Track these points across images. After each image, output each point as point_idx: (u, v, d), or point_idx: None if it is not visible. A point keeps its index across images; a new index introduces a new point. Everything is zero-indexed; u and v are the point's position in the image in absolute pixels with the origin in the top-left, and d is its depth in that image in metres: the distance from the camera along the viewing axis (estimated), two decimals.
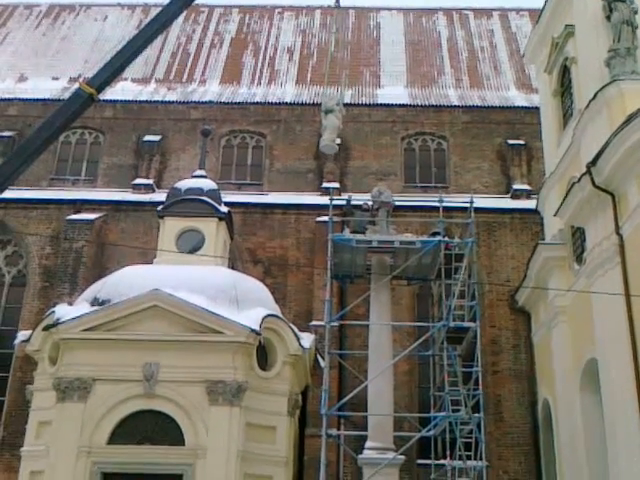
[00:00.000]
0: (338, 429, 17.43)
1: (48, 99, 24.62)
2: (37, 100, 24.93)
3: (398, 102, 25.14)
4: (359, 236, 15.66)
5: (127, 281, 16.46)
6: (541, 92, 21.52)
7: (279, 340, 16.61)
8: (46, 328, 16.32)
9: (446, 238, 15.89)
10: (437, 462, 16.37)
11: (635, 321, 13.66)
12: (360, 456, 14.76)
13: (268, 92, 26.07)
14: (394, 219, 16.76)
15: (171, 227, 18.30)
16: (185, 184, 19.26)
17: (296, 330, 17.11)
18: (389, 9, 31.15)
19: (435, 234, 16.23)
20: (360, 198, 17.64)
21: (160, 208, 18.85)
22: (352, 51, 28.27)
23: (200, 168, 20.07)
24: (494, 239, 21.57)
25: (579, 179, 15.30)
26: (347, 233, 15.97)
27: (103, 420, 15.19)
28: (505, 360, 20.32)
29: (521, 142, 23.72)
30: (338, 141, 21.19)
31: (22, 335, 18.23)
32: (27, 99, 25.19)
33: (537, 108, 22.32)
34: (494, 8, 31.16)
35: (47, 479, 14.93)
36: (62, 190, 23.42)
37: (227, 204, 19.37)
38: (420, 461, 18.38)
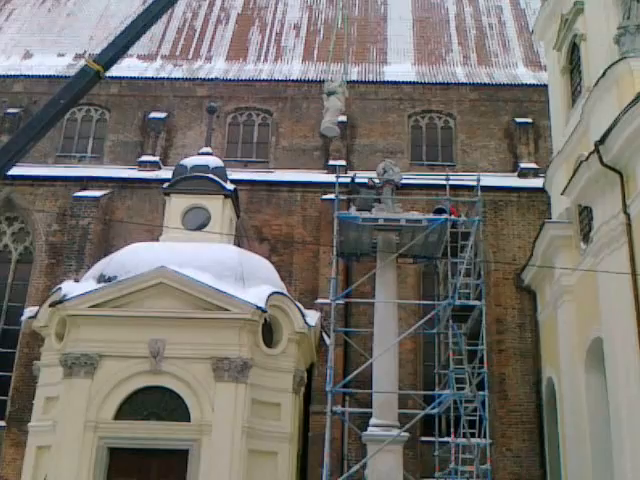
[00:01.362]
0: (343, 406, 17.49)
1: (54, 76, 24.54)
2: (43, 77, 24.85)
3: (405, 79, 24.94)
4: (365, 214, 15.61)
5: (133, 258, 16.51)
6: (549, 69, 21.34)
7: (285, 317, 16.67)
8: (53, 304, 16.41)
9: (452, 216, 15.82)
10: (441, 439, 16.47)
11: None
12: (364, 433, 14.83)
13: (274, 69, 25.91)
14: (400, 197, 16.70)
15: (177, 204, 18.31)
16: (191, 161, 19.24)
17: (302, 308, 17.17)
18: None
19: (439, 210, 16.12)
20: (366, 176, 17.56)
21: (166, 185, 18.86)
22: (359, 27, 28.05)
23: (206, 145, 20.03)
24: (501, 218, 21.54)
25: (587, 157, 15.20)
26: (353, 211, 15.93)
27: (110, 396, 15.34)
28: (510, 339, 20.36)
29: (529, 120, 23.54)
30: (344, 119, 21.17)
31: (29, 311, 18.35)
32: (33, 76, 25.08)
33: (545, 86, 22.13)
34: None
35: (54, 454, 15.10)
36: (68, 167, 23.42)
37: (233, 181, 19.36)
38: (424, 438, 18.47)
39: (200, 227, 17.97)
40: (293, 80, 25.10)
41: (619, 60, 15.29)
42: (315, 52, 26.89)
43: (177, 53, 27.01)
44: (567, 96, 19.30)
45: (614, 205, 14.72)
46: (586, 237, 16.99)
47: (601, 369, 15.39)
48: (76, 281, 17.71)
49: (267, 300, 15.98)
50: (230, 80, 25.13)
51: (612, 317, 14.72)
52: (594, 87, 16.12)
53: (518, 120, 23.59)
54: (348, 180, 17.93)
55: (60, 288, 16.71)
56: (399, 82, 24.78)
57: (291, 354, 16.63)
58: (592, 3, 17.52)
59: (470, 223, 15.94)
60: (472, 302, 15.43)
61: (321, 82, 24.38)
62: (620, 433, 14.01)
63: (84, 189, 22.08)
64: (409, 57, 26.59)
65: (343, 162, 22.66)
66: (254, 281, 16.41)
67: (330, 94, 16.83)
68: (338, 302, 15.99)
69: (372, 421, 14.84)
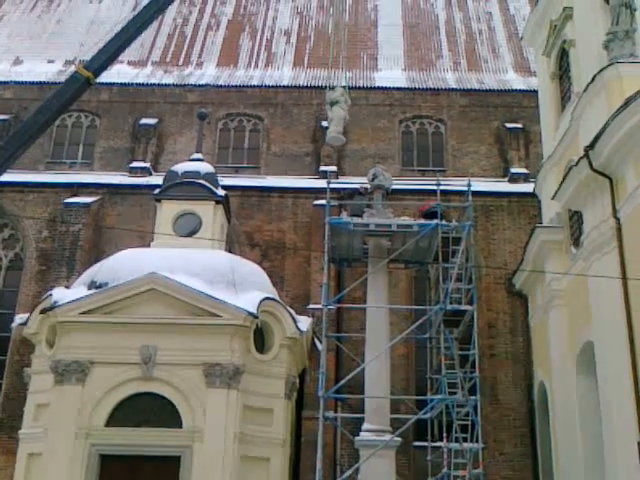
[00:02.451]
0: (335, 411, 17.47)
1: (44, 82, 24.53)
2: (33, 83, 24.83)
3: (396, 85, 25.05)
4: (356, 219, 15.63)
5: (124, 264, 16.46)
6: (539, 75, 21.44)
7: (276, 323, 16.65)
8: (43, 311, 16.32)
9: (443, 221, 15.86)
10: (433, 444, 16.44)
11: (631, 304, 13.69)
12: (357, 438, 14.82)
13: (265, 75, 25.95)
14: (391, 202, 16.74)
15: (168, 210, 18.27)
16: (182, 167, 19.22)
17: (293, 313, 17.15)
18: None
19: (429, 213, 16.12)
20: (358, 182, 17.62)
21: (157, 191, 18.81)
22: (349, 33, 27.97)
23: (197, 151, 20.01)
24: (491, 223, 21.60)
25: (577, 162, 15.28)
26: (344, 216, 15.95)
27: (101, 402, 15.26)
28: (502, 343, 20.41)
29: (519, 125, 23.67)
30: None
31: (19, 318, 18.27)
32: (23, 82, 25.05)
33: (535, 91, 22.23)
34: None
35: (45, 461, 15.00)
36: (59, 174, 23.36)
37: (224, 187, 19.34)
38: (417, 443, 18.44)
39: (191, 233, 17.93)
40: (284, 86, 25.17)
41: (608, 65, 15.38)
42: (306, 58, 26.97)
43: (168, 59, 27.03)
44: (557, 101, 19.39)
45: (604, 210, 14.80)
46: (577, 241, 17.05)
47: (592, 373, 15.43)
48: (67, 288, 17.66)
49: (259, 306, 15.96)
50: (221, 86, 25.18)
51: (603, 321, 14.78)
52: (583, 92, 16.22)
53: (508, 125, 23.72)
54: (339, 186, 18.01)
55: (51, 295, 16.64)
56: (390, 88, 24.88)
57: (283, 360, 16.60)
58: (581, 9, 17.63)
59: (461, 228, 15.96)
60: (464, 307, 15.44)
61: (312, 88, 24.72)
62: (611, 436, 14.06)
63: (74, 195, 22.02)
64: (399, 63, 26.71)
65: (334, 168, 22.71)
66: (246, 287, 16.39)
67: (333, 104, 16.86)
68: (330, 307, 15.97)
69: (364, 426, 14.83)
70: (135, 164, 23.40)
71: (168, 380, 15.35)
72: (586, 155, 14.77)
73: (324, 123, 22.98)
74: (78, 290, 16.41)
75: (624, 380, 13.58)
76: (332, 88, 17.13)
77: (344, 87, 17.14)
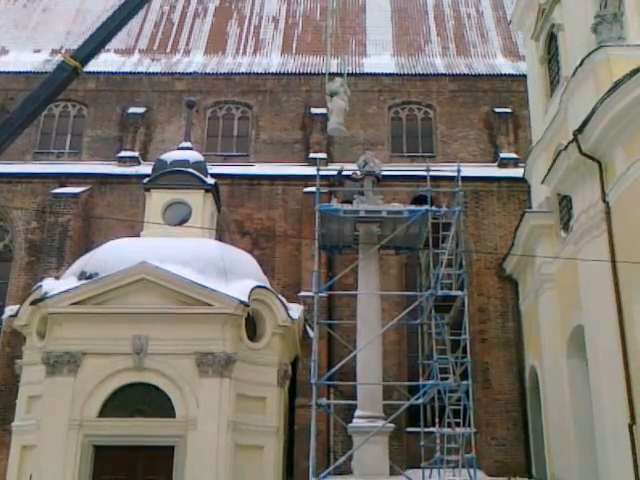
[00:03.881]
0: (328, 399, 17.52)
1: (30, 72, 24.28)
2: (19, 73, 24.56)
3: (384, 71, 24.96)
4: (346, 206, 15.63)
5: (114, 254, 16.41)
6: (528, 59, 21.42)
7: (268, 311, 16.66)
8: (34, 302, 16.28)
9: (433, 207, 15.87)
10: (426, 430, 16.52)
11: (621, 288, 13.75)
12: (350, 425, 14.88)
13: (253, 62, 25.82)
14: (381, 189, 16.72)
15: (157, 199, 18.22)
16: (171, 156, 19.15)
17: (285, 301, 17.17)
18: None
19: (419, 199, 16.08)
20: (348, 168, 17.58)
21: (146, 181, 18.75)
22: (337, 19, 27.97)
23: (185, 140, 19.92)
24: (481, 208, 21.63)
25: (566, 147, 15.28)
26: (334, 203, 15.93)
27: (93, 393, 15.25)
28: (493, 328, 20.48)
29: (508, 110, 23.65)
30: (323, 111, 21.12)
31: (10, 310, 18.20)
32: (9, 72, 24.80)
33: (524, 76, 22.24)
34: None
35: (39, 453, 14.99)
36: (47, 164, 23.22)
37: (213, 176, 19.29)
38: (409, 429, 18.54)
39: (181, 222, 17.89)
40: (272, 73, 25.04)
41: (596, 49, 15.35)
42: (294, 45, 26.84)
43: (155, 47, 26.84)
44: (546, 86, 19.37)
45: (593, 193, 14.82)
46: (566, 226, 17.10)
47: (583, 356, 15.51)
48: (57, 278, 17.60)
49: (250, 294, 15.96)
50: (209, 74, 25.03)
51: (592, 304, 14.85)
52: (572, 76, 16.20)
53: (497, 110, 23.69)
54: (329, 173, 17.96)
55: (41, 286, 16.57)
56: (378, 74, 24.78)
57: (275, 348, 16.63)
58: None
59: (451, 214, 15.98)
60: (454, 292, 15.48)
61: (301, 74, 24.64)
62: (602, 419, 14.15)
63: (63, 186, 21.90)
64: (388, 48, 26.61)
65: (324, 155, 22.67)
66: (236, 275, 16.37)
67: (332, 95, 16.79)
68: (321, 295, 15.98)
69: (357, 413, 14.89)
70: (124, 153, 23.25)
71: (160, 370, 15.35)
72: (575, 139, 14.77)
73: (313, 110, 23.10)
74: (68, 281, 16.36)
75: (614, 363, 13.65)
76: (332, 74, 17.00)
77: (342, 75, 17.06)
